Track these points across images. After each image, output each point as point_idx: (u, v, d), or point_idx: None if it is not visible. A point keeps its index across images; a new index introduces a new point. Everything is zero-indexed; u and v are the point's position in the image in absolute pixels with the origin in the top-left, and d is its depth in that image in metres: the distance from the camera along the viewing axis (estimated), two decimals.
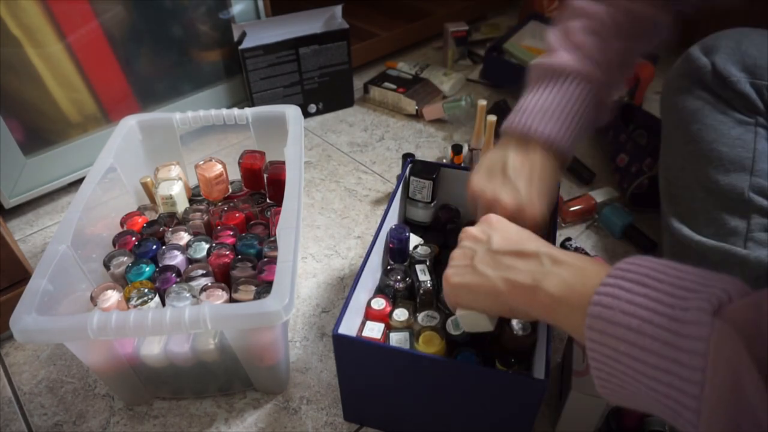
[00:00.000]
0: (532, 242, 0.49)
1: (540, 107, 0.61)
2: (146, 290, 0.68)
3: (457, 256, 0.53)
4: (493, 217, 0.54)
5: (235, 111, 0.90)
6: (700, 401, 0.32)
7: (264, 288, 0.68)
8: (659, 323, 0.34)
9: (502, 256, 0.49)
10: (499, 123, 1.08)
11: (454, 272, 0.52)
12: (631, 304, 0.36)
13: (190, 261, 0.76)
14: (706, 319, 0.33)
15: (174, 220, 0.85)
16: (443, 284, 0.54)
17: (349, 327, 0.64)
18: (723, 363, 0.31)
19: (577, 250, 0.89)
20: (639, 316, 0.35)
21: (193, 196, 0.95)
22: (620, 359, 0.36)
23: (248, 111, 0.90)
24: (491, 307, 0.50)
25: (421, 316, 0.69)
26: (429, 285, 0.72)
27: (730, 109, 0.71)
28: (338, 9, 1.25)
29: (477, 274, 0.50)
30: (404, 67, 1.41)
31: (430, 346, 0.63)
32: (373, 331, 0.68)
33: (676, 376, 0.33)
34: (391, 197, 0.77)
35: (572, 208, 0.97)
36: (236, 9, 1.19)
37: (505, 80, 1.35)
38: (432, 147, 1.20)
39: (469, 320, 0.53)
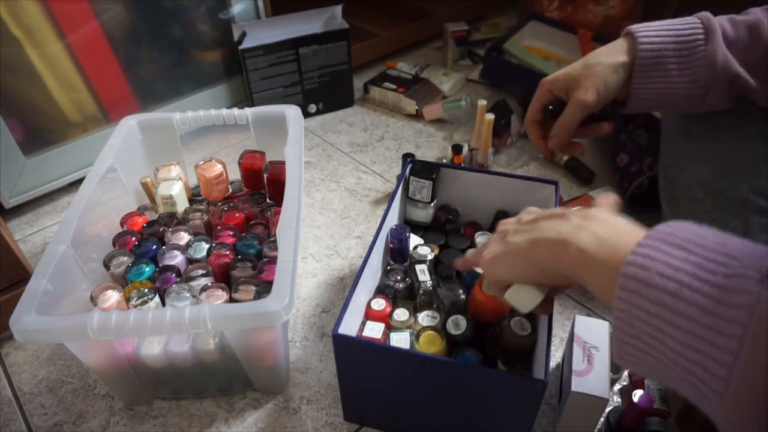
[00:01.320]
0: (561, 209, 0.49)
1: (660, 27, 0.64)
2: (146, 290, 0.68)
3: (490, 240, 0.54)
4: (528, 208, 0.54)
5: (235, 111, 0.90)
6: (732, 371, 0.31)
7: (264, 288, 0.68)
8: (698, 288, 0.33)
9: (531, 223, 0.49)
10: (497, 122, 1.08)
11: (488, 251, 0.52)
12: (669, 266, 0.35)
13: (190, 261, 0.76)
14: (752, 288, 0.31)
15: (174, 220, 0.85)
16: (482, 267, 0.53)
17: (349, 327, 0.63)
18: (765, 333, 0.30)
19: None
20: (677, 279, 0.34)
21: (193, 196, 0.95)
22: (650, 322, 0.35)
23: (248, 111, 0.90)
24: (525, 272, 0.49)
25: (421, 316, 0.69)
26: (429, 285, 0.72)
27: (728, 110, 0.71)
28: (338, 9, 1.25)
29: (506, 243, 0.49)
30: (404, 67, 1.41)
31: (430, 346, 0.63)
32: (373, 331, 0.68)
33: (710, 343, 0.32)
34: (391, 197, 0.77)
35: (572, 208, 0.97)
36: (236, 9, 1.19)
37: (505, 80, 1.35)
38: (432, 147, 1.20)
39: (518, 297, 0.51)
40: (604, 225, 0.43)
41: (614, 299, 0.37)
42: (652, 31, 0.63)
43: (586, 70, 0.63)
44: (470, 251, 0.61)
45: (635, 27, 0.64)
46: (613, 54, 0.63)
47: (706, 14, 0.63)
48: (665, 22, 0.64)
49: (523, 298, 0.51)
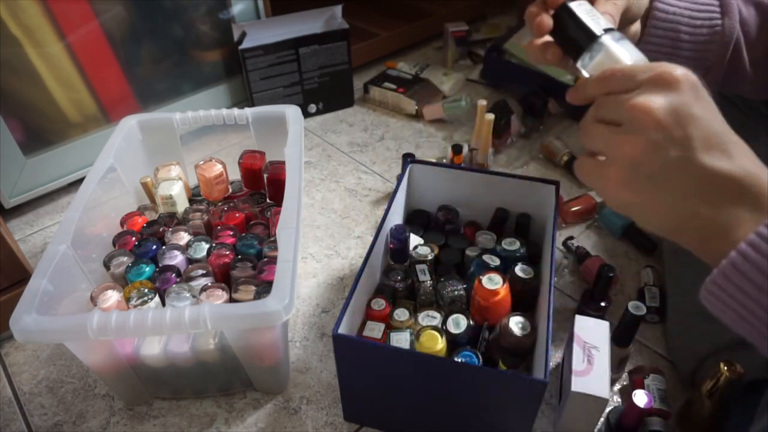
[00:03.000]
0: (737, 149, 0.36)
1: None
2: (146, 290, 0.68)
3: (631, 149, 0.36)
4: (690, 86, 0.36)
5: (235, 111, 0.90)
6: None
7: (264, 288, 0.68)
8: None
9: (706, 177, 0.35)
10: (497, 122, 1.08)
11: (626, 177, 0.37)
12: None
13: (190, 261, 0.76)
14: None
15: (174, 220, 0.85)
16: (602, 188, 0.38)
17: (349, 327, 0.64)
18: None
19: (578, 249, 0.89)
20: None
21: (193, 196, 0.95)
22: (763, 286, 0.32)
23: (248, 111, 0.90)
24: (663, 225, 0.38)
25: (421, 316, 0.69)
26: (429, 285, 0.72)
27: (731, 105, 0.71)
28: (338, 9, 1.25)
29: (664, 194, 0.36)
30: (404, 67, 1.41)
31: (430, 345, 0.63)
32: (374, 331, 0.68)
33: None
34: (391, 197, 0.77)
35: (572, 209, 0.97)
36: (236, 9, 1.19)
37: (505, 80, 1.35)
38: (432, 147, 1.20)
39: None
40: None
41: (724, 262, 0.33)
42: None
43: None
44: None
45: None
46: None
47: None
48: None
49: None
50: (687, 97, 0.36)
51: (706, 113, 0.36)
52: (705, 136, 0.35)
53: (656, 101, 0.35)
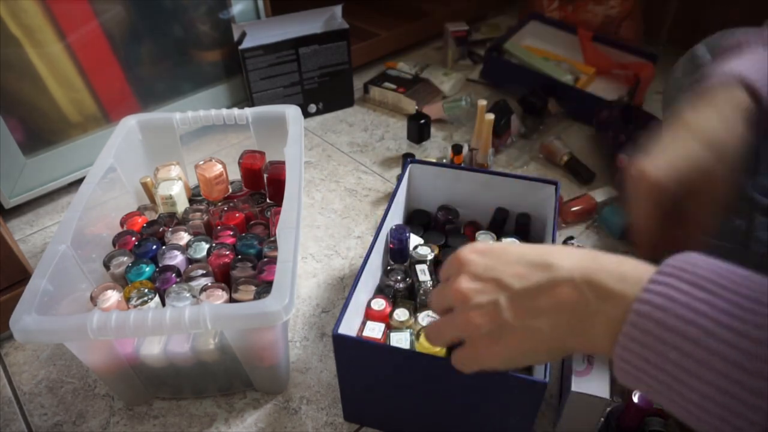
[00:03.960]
0: (553, 257, 0.38)
1: None
2: (146, 290, 0.68)
3: (468, 325, 0.40)
4: (477, 247, 0.42)
5: (235, 111, 0.90)
6: (760, 428, 0.29)
7: (264, 288, 0.68)
8: (725, 338, 0.30)
9: (531, 297, 0.38)
10: (497, 122, 1.08)
11: (490, 339, 0.39)
12: (689, 309, 0.31)
13: (190, 261, 0.76)
14: None
15: (174, 220, 0.85)
16: (484, 361, 0.41)
17: (349, 327, 0.64)
18: None
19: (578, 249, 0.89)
20: (699, 325, 0.30)
21: (193, 196, 0.95)
22: (665, 368, 0.32)
23: (248, 111, 0.90)
24: (543, 360, 0.42)
25: (421, 316, 0.69)
26: (429, 285, 0.72)
27: None
28: (338, 9, 1.25)
29: (521, 332, 0.38)
30: (404, 67, 1.41)
31: (430, 346, 0.63)
32: (374, 331, 0.68)
33: (738, 399, 0.29)
34: (391, 197, 0.77)
35: (572, 209, 0.97)
36: (236, 9, 1.19)
37: (505, 80, 1.35)
38: (432, 147, 1.20)
39: None
40: (618, 305, 0.34)
41: (620, 337, 0.33)
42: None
43: (718, 157, 0.48)
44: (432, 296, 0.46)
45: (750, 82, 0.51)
46: (729, 126, 0.50)
47: None
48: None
49: None
50: (474, 260, 0.41)
51: (500, 257, 0.40)
52: (513, 272, 0.39)
53: (458, 280, 0.41)
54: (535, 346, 0.38)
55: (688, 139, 0.49)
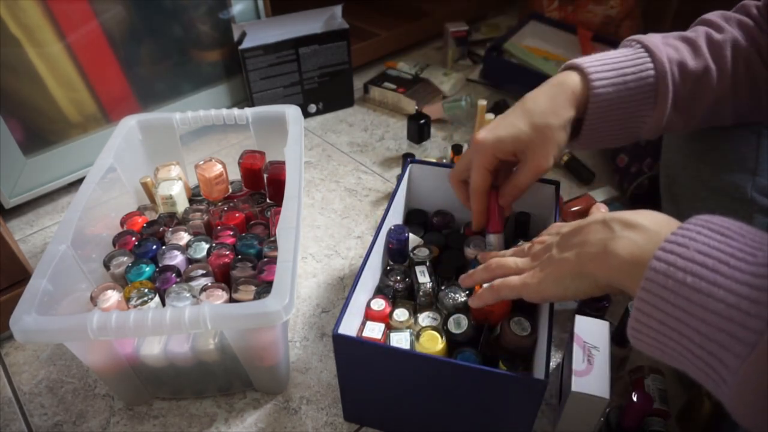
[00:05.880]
0: (599, 213, 0.50)
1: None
2: (146, 290, 0.68)
3: (526, 261, 0.55)
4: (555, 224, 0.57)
5: (235, 111, 0.90)
6: (744, 362, 0.33)
7: (264, 288, 0.68)
8: (736, 267, 0.35)
9: (574, 234, 0.49)
10: None
11: (528, 276, 0.52)
12: (709, 246, 0.37)
13: (190, 261, 0.76)
14: None
15: (174, 220, 0.85)
16: (525, 294, 0.53)
17: (349, 327, 0.63)
18: None
19: None
20: (715, 257, 0.36)
21: (193, 196, 0.95)
22: (681, 292, 0.37)
23: (248, 111, 0.90)
24: (579, 287, 0.49)
25: (421, 317, 0.69)
26: (429, 287, 0.72)
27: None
28: (338, 9, 1.25)
29: (552, 262, 0.50)
30: (404, 67, 1.41)
31: (430, 346, 0.63)
32: (373, 331, 0.68)
33: (728, 333, 0.34)
34: (391, 197, 0.77)
35: (572, 209, 0.97)
36: (236, 9, 1.19)
37: (505, 80, 1.35)
38: (432, 147, 1.20)
39: None
40: (644, 234, 0.43)
41: (647, 271, 0.39)
42: (605, 79, 0.60)
43: (537, 134, 0.60)
44: (477, 269, 0.61)
45: (587, 68, 0.60)
46: (559, 110, 0.60)
47: (656, 51, 0.60)
48: (615, 61, 0.61)
49: None
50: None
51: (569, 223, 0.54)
52: (570, 225, 0.53)
53: (539, 241, 0.57)
54: (563, 274, 0.49)
55: (517, 116, 0.62)
